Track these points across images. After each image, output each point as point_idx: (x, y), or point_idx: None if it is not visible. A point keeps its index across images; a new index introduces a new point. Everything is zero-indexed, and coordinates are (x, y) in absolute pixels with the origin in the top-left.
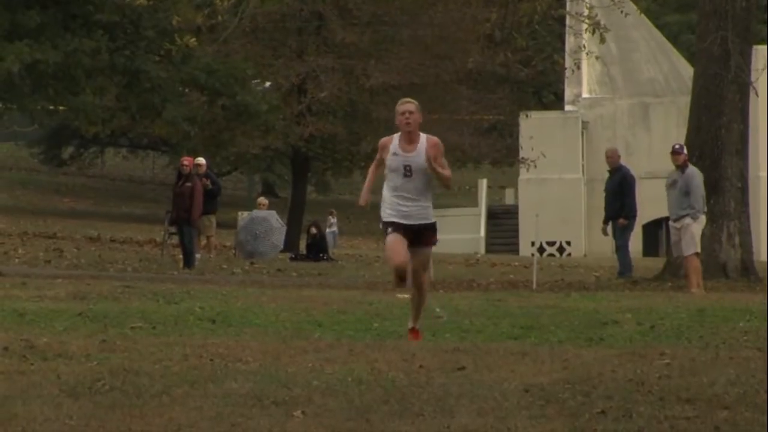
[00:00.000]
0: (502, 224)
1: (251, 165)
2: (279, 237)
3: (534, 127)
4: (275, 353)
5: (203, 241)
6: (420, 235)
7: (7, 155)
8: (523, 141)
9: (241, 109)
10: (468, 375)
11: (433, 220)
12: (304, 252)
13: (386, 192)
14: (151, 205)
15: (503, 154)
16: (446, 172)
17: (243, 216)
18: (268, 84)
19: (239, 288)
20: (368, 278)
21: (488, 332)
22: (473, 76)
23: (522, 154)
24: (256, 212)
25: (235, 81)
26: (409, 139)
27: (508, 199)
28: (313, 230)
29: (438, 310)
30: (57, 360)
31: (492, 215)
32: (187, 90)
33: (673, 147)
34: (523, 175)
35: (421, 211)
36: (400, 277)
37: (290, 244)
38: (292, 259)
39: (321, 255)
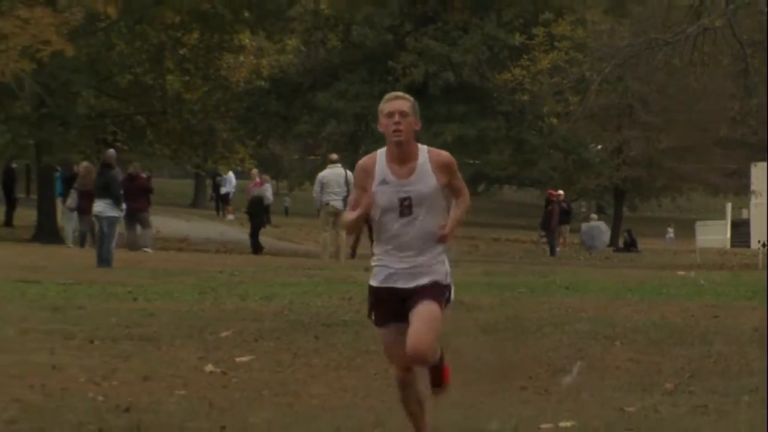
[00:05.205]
0: (740, 231)
1: (589, 195)
2: (606, 237)
3: (760, 171)
4: (604, 307)
5: (561, 240)
6: (418, 293)
7: None
8: (754, 179)
9: (583, 162)
10: (720, 320)
11: (437, 277)
12: (622, 246)
13: (375, 243)
14: (531, 220)
15: (741, 188)
16: (460, 212)
17: (584, 225)
18: (599, 146)
19: (582, 268)
20: (659, 263)
21: (732, 295)
22: (723, 140)
23: (752, 188)
24: (592, 222)
25: (579, 145)
26: (402, 156)
27: (744, 215)
28: (626, 234)
29: (702, 281)
30: (475, 311)
31: (734, 225)
32: (551, 151)
33: None
34: (753, 200)
35: (422, 268)
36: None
37: (613, 242)
38: (614, 251)
39: (631, 248)
